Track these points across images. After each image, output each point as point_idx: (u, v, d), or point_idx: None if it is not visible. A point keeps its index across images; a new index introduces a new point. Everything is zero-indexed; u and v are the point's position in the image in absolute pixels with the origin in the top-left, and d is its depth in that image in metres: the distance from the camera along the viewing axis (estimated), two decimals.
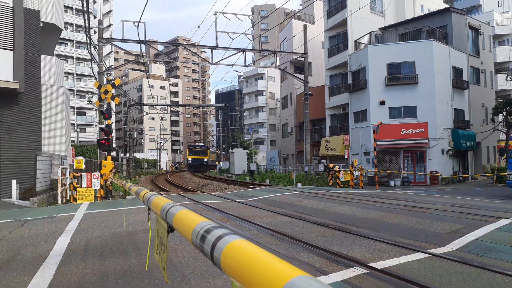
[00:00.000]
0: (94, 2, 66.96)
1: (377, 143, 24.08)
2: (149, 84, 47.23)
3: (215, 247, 1.04)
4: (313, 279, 0.65)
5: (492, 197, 15.98)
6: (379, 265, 4.82)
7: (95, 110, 60.69)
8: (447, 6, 36.99)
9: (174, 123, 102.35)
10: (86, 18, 19.47)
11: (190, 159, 53.34)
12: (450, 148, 28.17)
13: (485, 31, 34.55)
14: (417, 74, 27.89)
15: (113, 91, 16.19)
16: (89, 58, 26.66)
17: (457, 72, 30.00)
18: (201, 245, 1.16)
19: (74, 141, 50.47)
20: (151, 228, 3.32)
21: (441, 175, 26.71)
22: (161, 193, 17.50)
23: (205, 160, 53.45)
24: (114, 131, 57.30)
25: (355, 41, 31.67)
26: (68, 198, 14.25)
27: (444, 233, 6.91)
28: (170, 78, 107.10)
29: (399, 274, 4.40)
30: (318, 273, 4.50)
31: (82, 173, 14.13)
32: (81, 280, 4.45)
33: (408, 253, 5.47)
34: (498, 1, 57.48)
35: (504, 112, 28.28)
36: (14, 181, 14.86)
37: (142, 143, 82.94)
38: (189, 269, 4.80)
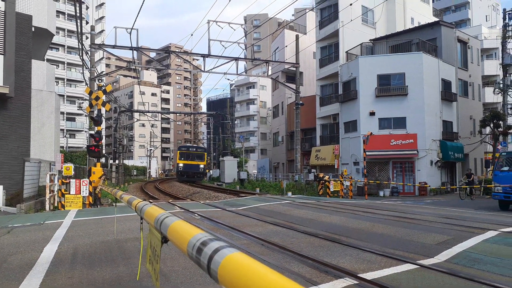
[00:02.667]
0: (87, 8, 66.81)
1: (367, 153, 24.24)
2: (140, 91, 47.10)
3: (212, 260, 1.05)
4: None
5: (480, 208, 16.16)
6: (369, 276, 4.84)
7: (85, 116, 60.26)
8: (436, 19, 37.65)
9: (164, 130, 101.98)
10: (78, 24, 19.40)
11: (181, 164, 40.78)
12: (438, 159, 28.49)
13: (473, 45, 35.21)
14: (407, 86, 28.25)
15: (104, 97, 16.12)
16: (80, 63, 26.55)
17: (446, 84, 30.45)
18: (198, 257, 1.17)
19: (63, 147, 49.98)
20: (143, 238, 3.31)
21: (429, 186, 26.95)
22: (150, 201, 17.38)
23: (202, 166, 41.20)
24: (104, 137, 56.62)
25: (346, 52, 32.03)
26: (56, 205, 14.08)
27: (432, 244, 6.97)
28: (162, 85, 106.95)
29: (388, 285, 4.42)
30: (308, 283, 4.51)
31: (71, 180, 14.00)
32: None
33: (397, 264, 5.51)
34: (486, 16, 58.70)
35: (491, 125, 28.73)
36: (0, 187, 14.64)
37: (132, 150, 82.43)
38: (179, 278, 4.77)
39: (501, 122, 28.42)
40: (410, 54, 29.07)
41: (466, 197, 22.58)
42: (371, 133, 24.72)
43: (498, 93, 30.33)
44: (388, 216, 10.69)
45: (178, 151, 42.39)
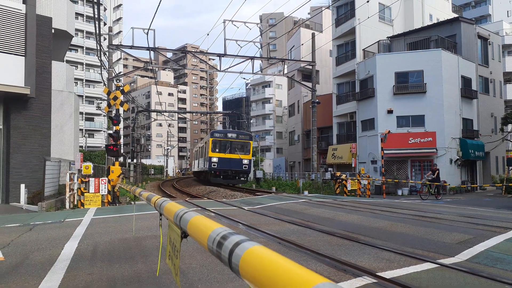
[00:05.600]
0: (105, 9, 67.80)
1: (385, 151, 23.97)
2: (157, 91, 47.55)
3: (233, 253, 1.05)
4: (338, 287, 0.65)
5: (501, 207, 15.80)
6: (388, 274, 4.78)
7: (104, 116, 61.20)
8: (456, 15, 36.97)
9: (181, 129, 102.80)
10: (96, 25, 19.71)
11: (215, 159, 27.49)
12: (458, 157, 27.96)
13: (494, 41, 34.42)
14: (425, 83, 27.80)
15: (122, 97, 16.33)
16: (99, 64, 26.96)
17: (466, 81, 29.86)
18: (218, 251, 1.17)
19: (82, 147, 50.86)
20: (162, 234, 3.34)
21: (449, 185, 26.44)
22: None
23: (246, 162, 28.14)
24: (122, 137, 57.14)
25: (363, 49, 31.70)
26: (75, 203, 14.33)
27: (453, 243, 6.84)
28: (178, 85, 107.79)
29: (408, 284, 4.36)
30: None
31: (90, 179, 14.22)
32: (89, 285, 4.47)
33: (416, 263, 5.42)
34: (507, 11, 57.33)
35: None
36: (22, 186, 14.98)
37: (149, 149, 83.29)
38: (196, 275, 4.80)
39: None
40: (429, 51, 28.59)
41: (429, 196, 20.84)
42: (389, 131, 24.42)
43: None
44: (407, 215, 10.55)
45: (211, 139, 27.86)
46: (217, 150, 27.67)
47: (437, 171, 21.68)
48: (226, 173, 27.56)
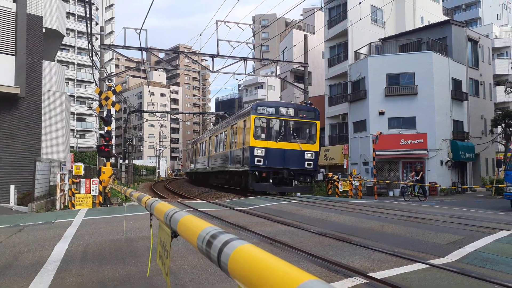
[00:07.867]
0: (97, 9, 67.40)
1: (376, 153, 24.10)
2: (149, 91, 47.26)
3: (222, 252, 1.05)
4: (325, 284, 0.65)
5: (491, 208, 15.97)
6: (379, 275, 4.80)
7: (95, 116, 60.79)
8: (447, 18, 37.31)
9: (173, 130, 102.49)
10: (88, 25, 19.57)
11: (259, 151, 16.26)
12: (449, 159, 28.21)
13: (484, 44, 34.81)
14: (417, 85, 28.02)
15: (113, 97, 16.23)
16: (90, 64, 26.79)
17: (457, 83, 30.15)
18: (207, 250, 1.17)
19: (73, 147, 50.43)
20: (153, 234, 3.32)
21: (440, 186, 26.69)
22: None
23: (310, 156, 17.05)
24: (113, 137, 56.71)
25: (355, 51, 31.87)
26: (66, 204, 14.21)
27: (443, 244, 6.90)
28: (171, 86, 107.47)
29: (399, 284, 4.38)
30: None
31: (81, 179, 14.11)
32: (79, 287, 4.43)
33: (407, 263, 5.45)
34: (497, 14, 58.03)
35: (503, 124, 28.42)
36: (12, 186, 14.82)
37: (141, 150, 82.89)
38: (188, 277, 4.78)
39: None
40: (420, 54, 28.84)
41: (412, 198, 20.74)
42: (381, 132, 24.56)
43: (510, 92, 29.96)
44: (398, 216, 10.61)
45: (253, 117, 16.91)
46: (262, 136, 17.10)
47: (421, 173, 21.85)
48: (280, 174, 16.91)
